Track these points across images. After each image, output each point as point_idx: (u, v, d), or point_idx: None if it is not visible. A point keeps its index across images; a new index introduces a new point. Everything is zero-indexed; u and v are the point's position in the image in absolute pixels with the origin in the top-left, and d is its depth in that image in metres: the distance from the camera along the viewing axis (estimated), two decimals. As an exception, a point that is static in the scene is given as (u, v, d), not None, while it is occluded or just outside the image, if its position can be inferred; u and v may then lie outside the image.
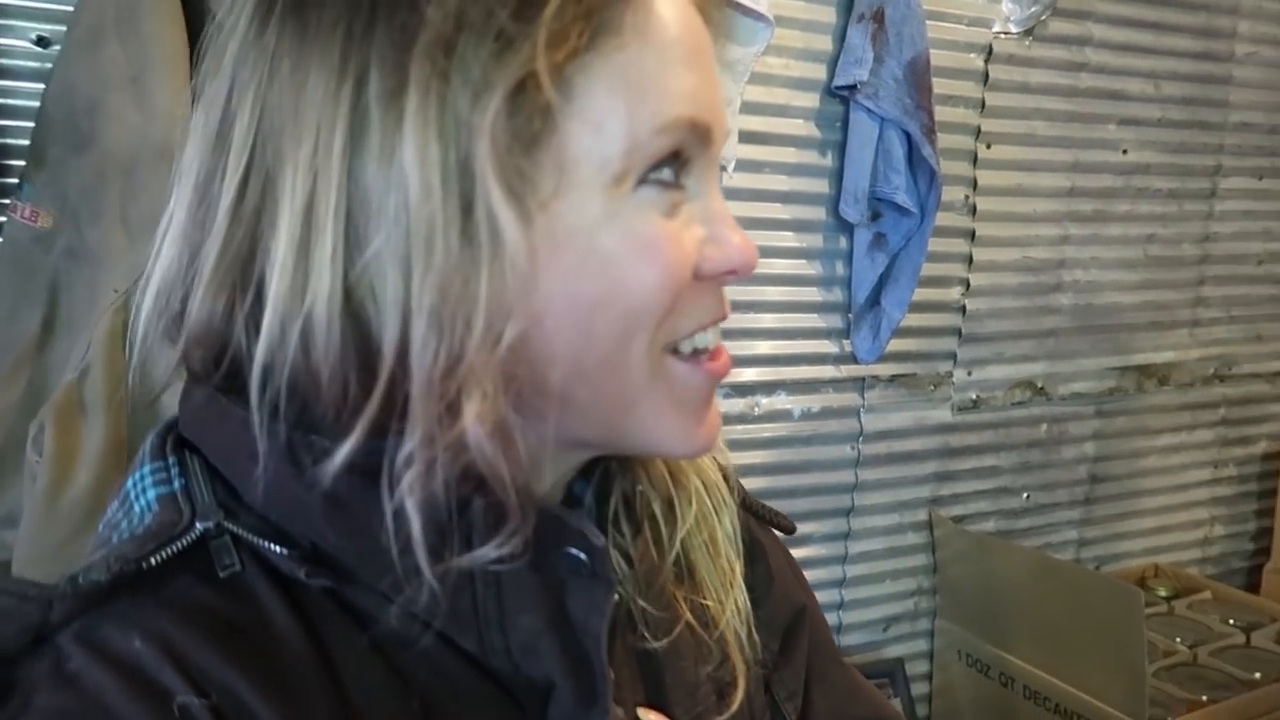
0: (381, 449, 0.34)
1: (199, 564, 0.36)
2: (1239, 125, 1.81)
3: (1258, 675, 1.50)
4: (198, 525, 0.36)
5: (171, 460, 0.39)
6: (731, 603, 0.47)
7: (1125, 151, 1.70)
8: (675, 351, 0.40)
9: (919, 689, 1.69)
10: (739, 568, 0.48)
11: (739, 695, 0.46)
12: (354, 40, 0.33)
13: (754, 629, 0.49)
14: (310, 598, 0.36)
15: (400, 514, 0.33)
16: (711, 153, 0.39)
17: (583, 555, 0.37)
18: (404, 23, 0.33)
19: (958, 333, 1.63)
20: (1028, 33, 1.56)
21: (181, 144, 0.38)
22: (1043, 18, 1.56)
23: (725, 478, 0.49)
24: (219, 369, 0.37)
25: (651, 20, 0.36)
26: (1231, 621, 1.68)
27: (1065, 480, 1.79)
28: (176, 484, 0.38)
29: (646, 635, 0.44)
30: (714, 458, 0.49)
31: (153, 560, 0.35)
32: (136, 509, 0.38)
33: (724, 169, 1.33)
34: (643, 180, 0.37)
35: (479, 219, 0.33)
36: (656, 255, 0.37)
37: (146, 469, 0.39)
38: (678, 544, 0.46)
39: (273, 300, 0.34)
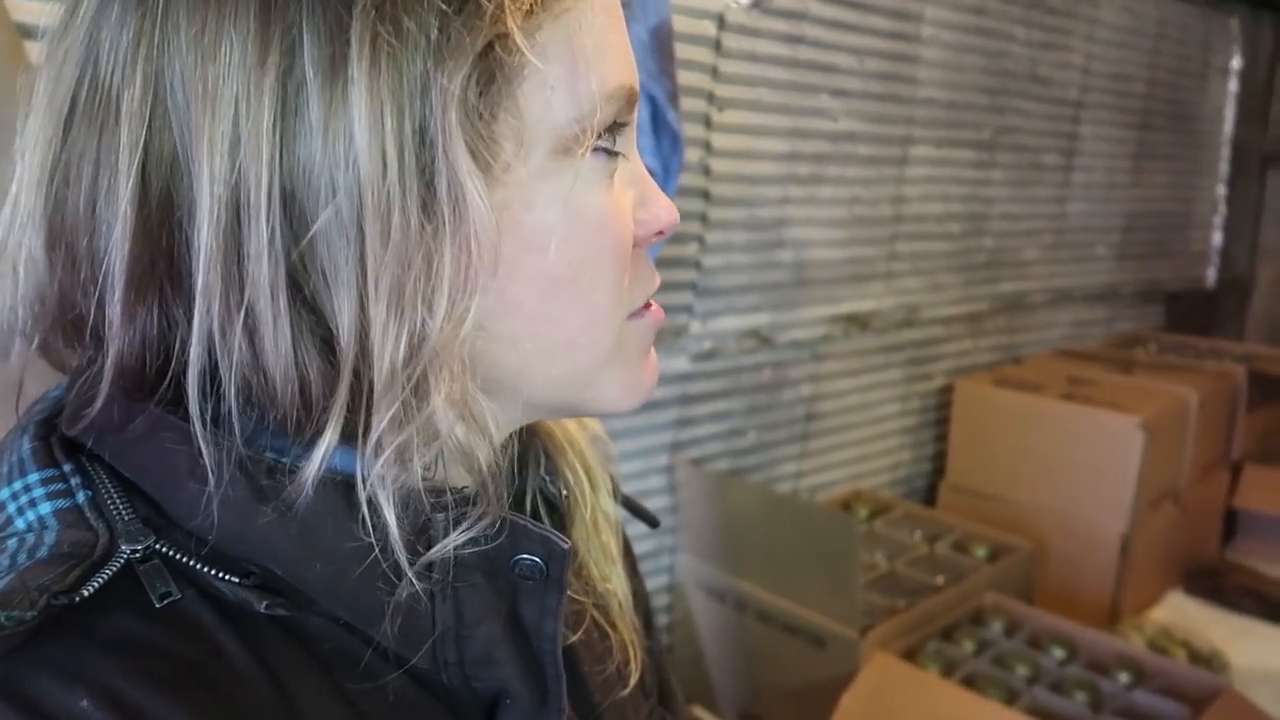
0: (350, 456, 0.32)
1: (127, 592, 0.31)
2: (925, 100, 2.04)
3: (940, 579, 1.76)
4: (123, 547, 0.31)
5: (68, 468, 0.33)
6: (617, 581, 0.48)
7: (836, 120, 1.86)
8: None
9: (660, 620, 1.81)
10: (617, 545, 0.49)
11: (635, 672, 0.47)
12: (274, 1, 0.29)
13: (634, 608, 0.49)
14: (254, 624, 0.32)
15: (376, 513, 0.31)
16: (634, 116, 0.38)
17: (538, 560, 0.37)
18: None
19: (693, 287, 1.73)
20: (755, 4, 1.66)
21: (23, 113, 0.32)
22: (768, -9, 1.67)
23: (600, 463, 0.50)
24: (157, 380, 0.32)
25: None
26: (918, 534, 1.95)
27: (785, 419, 1.97)
28: (81, 496, 0.32)
29: (566, 631, 0.43)
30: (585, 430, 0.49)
31: (84, 592, 0.29)
32: (20, 524, 0.32)
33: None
34: (589, 150, 0.35)
35: (440, 191, 0.31)
36: (609, 230, 0.36)
37: (33, 477, 0.33)
38: (586, 533, 0.46)
39: (203, 296, 0.30)
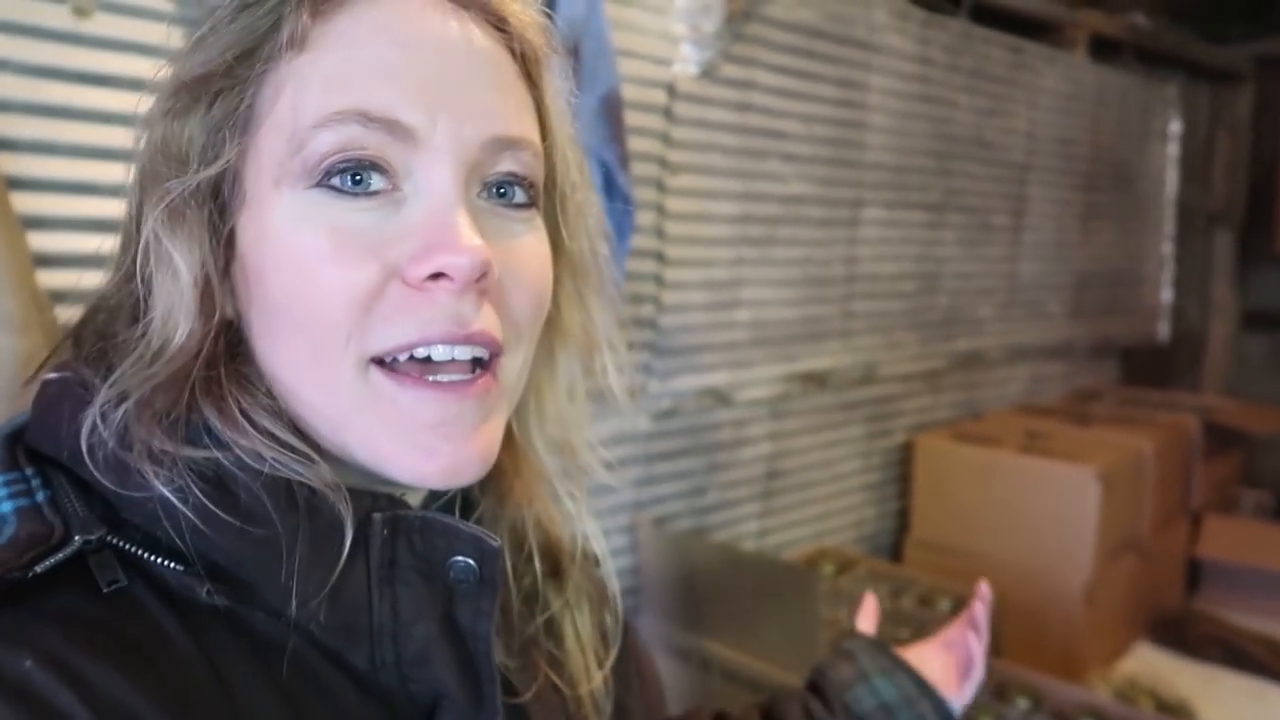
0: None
1: (78, 577, 0.33)
2: (874, 164, 2.11)
3: (904, 633, 1.76)
4: (76, 537, 0.33)
5: (29, 471, 0.36)
6: (596, 675, 0.50)
7: (787, 183, 1.92)
8: (382, 364, 0.38)
9: (628, 683, 1.79)
10: (605, 653, 0.51)
11: None
12: None
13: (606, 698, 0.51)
14: (197, 614, 0.35)
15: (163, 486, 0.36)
16: (428, 153, 0.37)
17: (472, 562, 0.38)
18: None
19: (651, 347, 1.76)
20: (705, 74, 1.72)
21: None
22: (716, 62, 1.73)
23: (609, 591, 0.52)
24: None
25: (346, 26, 0.37)
26: (883, 589, 1.94)
27: (746, 477, 1.98)
28: (40, 496, 0.35)
29: (516, 689, 0.44)
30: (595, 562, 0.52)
31: (37, 569, 0.32)
32: None
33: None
34: (318, 184, 0.37)
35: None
36: (313, 263, 0.36)
37: None
38: (553, 606, 0.49)
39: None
